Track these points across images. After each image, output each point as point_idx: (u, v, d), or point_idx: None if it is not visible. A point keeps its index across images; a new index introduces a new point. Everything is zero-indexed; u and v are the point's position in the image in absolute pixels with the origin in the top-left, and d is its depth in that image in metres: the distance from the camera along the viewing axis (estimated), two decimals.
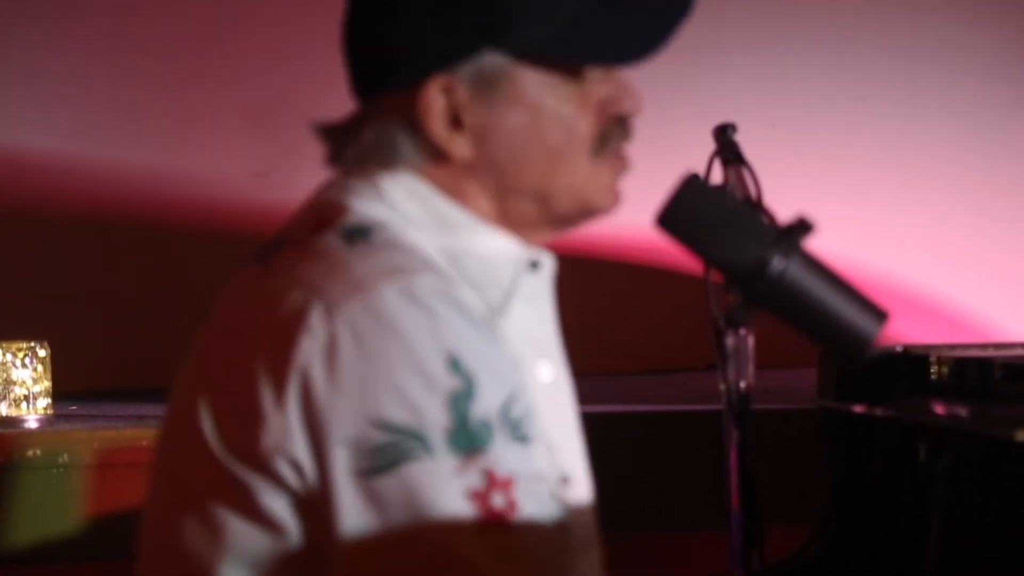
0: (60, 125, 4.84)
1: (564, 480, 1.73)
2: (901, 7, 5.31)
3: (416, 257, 1.64)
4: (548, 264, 1.76)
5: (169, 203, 4.92)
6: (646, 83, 1.84)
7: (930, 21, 5.32)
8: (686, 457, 3.62)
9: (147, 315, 4.73)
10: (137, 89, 4.86)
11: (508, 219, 1.74)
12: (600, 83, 1.74)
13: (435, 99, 1.69)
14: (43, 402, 3.69)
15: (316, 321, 1.58)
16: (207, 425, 1.64)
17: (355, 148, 1.73)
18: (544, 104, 1.71)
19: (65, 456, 3.46)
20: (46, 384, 3.69)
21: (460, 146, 1.70)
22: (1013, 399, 2.22)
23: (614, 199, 1.77)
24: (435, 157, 1.71)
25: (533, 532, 1.57)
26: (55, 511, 3.45)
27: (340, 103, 1.79)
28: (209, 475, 1.63)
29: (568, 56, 1.71)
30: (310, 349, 1.57)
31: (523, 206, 1.73)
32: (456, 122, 1.70)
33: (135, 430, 3.54)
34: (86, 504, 3.46)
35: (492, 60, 1.69)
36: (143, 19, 4.87)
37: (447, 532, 1.54)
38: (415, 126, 1.70)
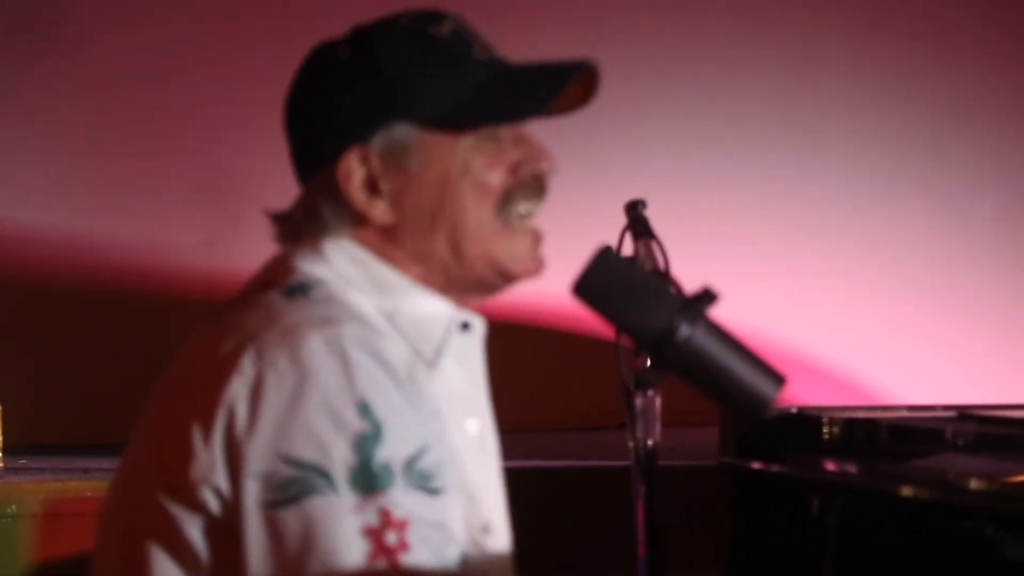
0: (10, 194, 4.80)
1: (485, 528, 1.73)
2: (801, 86, 5.37)
3: (346, 309, 1.65)
4: (479, 326, 1.77)
5: (118, 269, 4.88)
6: (562, 161, 1.86)
7: (827, 99, 5.38)
8: (598, 509, 3.62)
9: (94, 375, 4.69)
10: (87, 160, 4.83)
11: (435, 283, 1.75)
12: (513, 146, 1.76)
13: (353, 168, 1.72)
14: None
15: (247, 363, 1.59)
16: (152, 468, 1.64)
17: (289, 223, 1.76)
18: (452, 165, 1.73)
19: (14, 507, 3.42)
20: None
21: (379, 210, 1.72)
22: (898, 457, 2.25)
23: (534, 265, 1.78)
24: (358, 223, 1.73)
25: (420, 573, 1.57)
26: (4, 558, 3.40)
27: (282, 177, 1.81)
28: (148, 515, 1.63)
29: (470, 120, 1.74)
30: (238, 388, 1.59)
31: (444, 268, 1.75)
32: (374, 188, 1.72)
33: (80, 482, 3.51)
34: (33, 551, 3.41)
35: (401, 130, 1.73)
36: (92, 92, 4.85)
37: (339, 564, 1.54)
38: (338, 196, 1.73)
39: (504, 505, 1.80)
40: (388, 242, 1.75)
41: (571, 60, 1.78)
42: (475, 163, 1.74)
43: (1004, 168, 5.46)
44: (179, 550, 1.61)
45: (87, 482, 3.48)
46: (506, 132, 1.76)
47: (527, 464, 3.79)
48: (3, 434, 3.67)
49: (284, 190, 1.86)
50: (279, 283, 1.69)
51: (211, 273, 4.59)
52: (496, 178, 1.75)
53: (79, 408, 4.65)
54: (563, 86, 1.76)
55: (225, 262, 4.51)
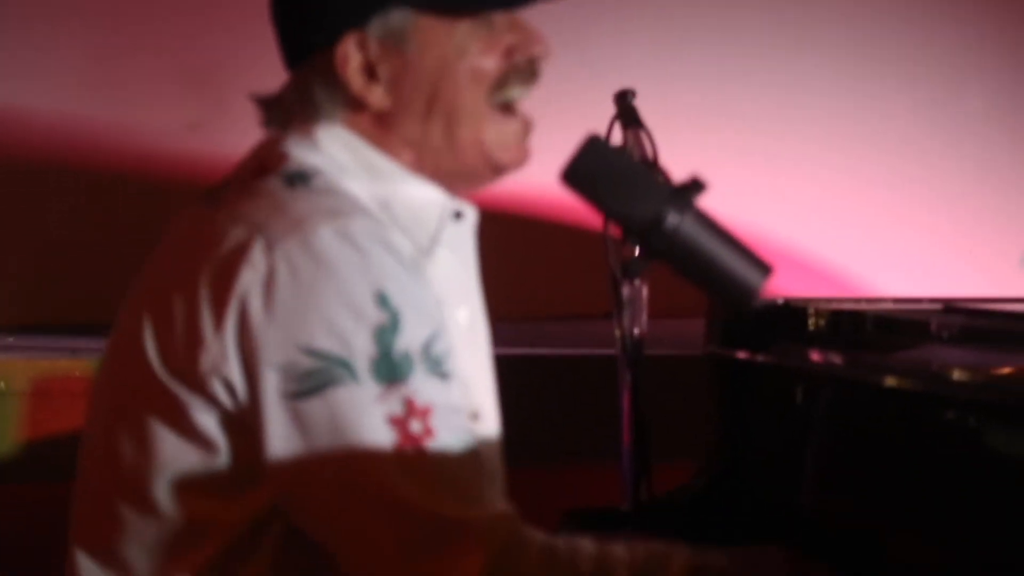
0: None
1: (475, 415, 1.75)
2: None
3: (351, 202, 1.65)
4: (471, 215, 1.78)
5: (104, 150, 4.86)
6: (554, 51, 1.85)
7: None
8: (584, 397, 3.64)
9: (80, 255, 4.69)
10: (74, 40, 4.79)
11: (427, 170, 1.75)
12: (508, 31, 1.76)
13: (351, 53, 1.71)
14: None
15: (257, 255, 1.59)
16: (149, 346, 1.64)
17: (279, 107, 1.75)
18: (449, 50, 1.73)
19: (2, 384, 3.43)
20: None
21: (377, 95, 1.72)
22: (883, 348, 2.25)
23: (521, 155, 1.78)
24: (354, 109, 1.72)
25: (447, 457, 1.59)
26: None
27: (266, 61, 1.79)
28: (148, 392, 1.64)
29: (467, 5, 1.73)
30: (250, 280, 1.58)
31: (436, 156, 1.75)
32: (372, 74, 1.71)
33: (69, 361, 3.52)
34: (21, 429, 3.43)
35: (399, 15, 1.72)
36: None
37: (366, 453, 1.55)
38: (334, 81, 1.72)
39: (494, 392, 1.81)
40: (382, 128, 1.74)
41: None
42: (471, 48, 1.74)
43: (993, 59, 5.43)
44: (185, 429, 1.61)
45: (76, 361, 3.49)
46: (500, 18, 1.76)
47: (514, 352, 3.80)
48: None
49: (268, 74, 1.84)
50: (275, 169, 1.69)
51: (196, 156, 4.57)
52: (491, 63, 1.75)
53: (67, 288, 4.66)
54: None
55: (210, 145, 4.48)
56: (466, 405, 1.71)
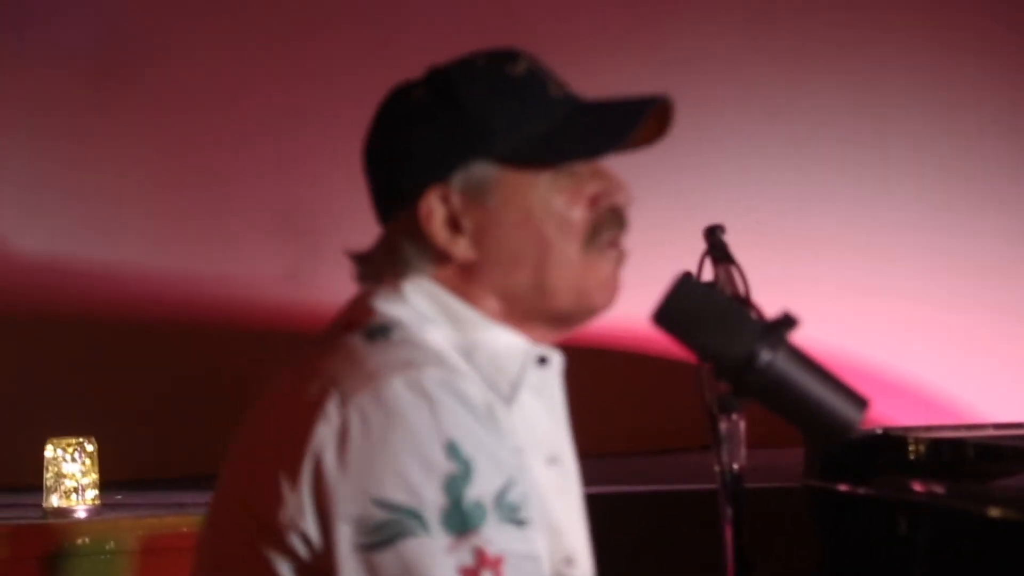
0: (97, 230, 4.87)
1: (568, 560, 1.73)
2: (869, 107, 5.35)
3: (426, 352, 1.65)
4: (556, 360, 1.77)
5: (202, 302, 4.94)
6: (642, 187, 1.86)
7: (897, 117, 5.36)
8: (684, 533, 3.61)
9: (184, 410, 4.74)
10: (164, 193, 4.89)
11: (514, 318, 1.75)
12: (590, 179, 1.76)
13: (435, 207, 1.73)
14: (91, 493, 3.68)
15: (332, 409, 1.60)
16: (239, 511, 1.66)
17: (370, 264, 1.77)
18: (534, 201, 1.74)
19: (112, 543, 3.45)
20: (94, 476, 3.69)
21: (461, 248, 1.73)
22: (985, 476, 2.22)
23: (612, 292, 1.78)
24: (440, 261, 1.74)
25: None
26: None
27: (359, 207, 1.82)
28: (240, 556, 1.65)
29: (548, 157, 1.74)
30: (324, 434, 1.59)
31: (526, 303, 1.75)
32: (455, 226, 1.73)
33: (176, 517, 3.54)
34: None
35: (480, 168, 1.73)
36: (167, 125, 4.91)
37: None
38: (419, 235, 1.74)
39: (586, 535, 1.80)
40: (468, 279, 1.75)
41: (645, 95, 1.78)
42: (555, 200, 1.75)
43: None
44: None
45: (183, 517, 3.51)
46: (583, 166, 1.77)
47: (611, 490, 3.78)
48: (99, 472, 3.72)
49: (362, 220, 1.87)
50: (361, 325, 1.70)
51: (294, 305, 4.63)
52: (577, 214, 1.75)
53: (171, 443, 4.70)
54: (640, 121, 1.76)
55: (307, 294, 4.54)
56: (557, 551, 1.70)
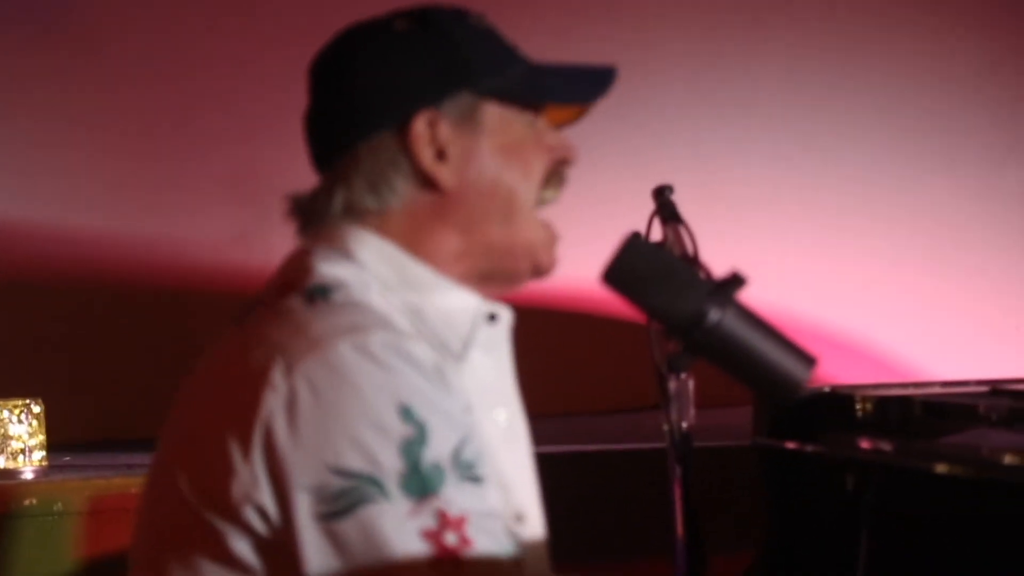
0: (47, 195, 4.82)
1: (519, 517, 1.73)
2: (822, 64, 5.35)
3: (370, 314, 1.64)
4: (505, 317, 1.77)
5: (151, 265, 4.91)
6: (591, 148, 1.86)
7: (850, 75, 5.37)
8: (634, 491, 3.62)
9: (132, 371, 4.71)
10: (114, 158, 4.85)
11: (469, 259, 1.74)
12: (547, 133, 1.78)
13: (423, 131, 1.72)
14: (38, 455, 3.65)
15: (278, 377, 1.58)
16: (183, 479, 1.64)
17: (345, 192, 1.73)
18: (511, 138, 1.75)
19: (59, 504, 3.44)
20: (41, 438, 3.66)
21: (446, 174, 1.72)
22: (932, 434, 2.23)
23: (554, 261, 1.79)
24: (421, 189, 1.73)
25: (486, 566, 1.56)
26: (51, 555, 3.41)
27: (311, 170, 1.81)
28: (186, 524, 1.63)
29: (530, 94, 1.75)
30: (272, 403, 1.57)
31: (488, 239, 1.75)
32: (440, 154, 1.72)
33: (124, 478, 3.52)
34: (79, 548, 3.43)
35: (466, 99, 1.74)
36: (117, 89, 4.86)
37: (404, 570, 1.53)
38: (401, 162, 1.72)
39: (537, 492, 1.80)
40: (429, 221, 1.74)
41: (596, 64, 1.80)
42: (526, 144, 1.76)
43: None
44: (224, 558, 1.60)
45: (131, 478, 3.49)
46: (541, 121, 1.78)
47: (561, 449, 3.79)
48: (46, 433, 3.69)
49: (314, 183, 1.85)
50: (298, 286, 1.68)
51: (244, 267, 4.61)
52: (540, 161, 1.77)
53: (120, 404, 4.68)
54: (609, 81, 1.78)
55: (258, 256, 4.51)
56: (507, 507, 1.70)
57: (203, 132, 4.93)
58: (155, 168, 4.90)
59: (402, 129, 1.72)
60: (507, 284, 1.80)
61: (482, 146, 1.75)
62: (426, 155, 1.72)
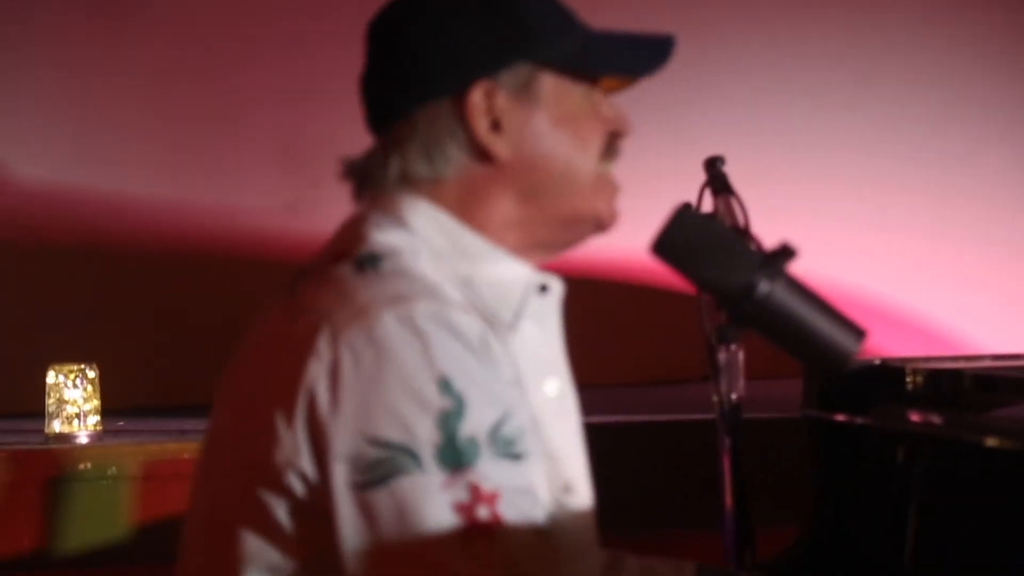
0: (99, 161, 4.85)
1: (567, 488, 1.73)
2: (873, 40, 5.32)
3: (418, 283, 1.64)
4: (556, 287, 1.77)
5: (203, 233, 4.93)
6: (643, 119, 1.86)
7: (899, 50, 5.33)
8: (683, 463, 3.62)
9: (186, 337, 4.75)
10: (165, 124, 4.87)
11: (527, 228, 1.74)
12: (603, 104, 1.77)
13: (480, 101, 1.71)
14: (93, 419, 3.69)
15: (323, 345, 1.58)
16: (230, 449, 1.65)
17: (399, 159, 1.73)
18: (568, 110, 1.74)
19: (113, 469, 3.47)
20: (95, 403, 3.70)
21: (501, 146, 1.72)
22: (983, 407, 2.22)
23: (614, 215, 1.79)
24: (477, 160, 1.72)
25: (517, 542, 1.56)
26: (104, 519, 3.45)
27: (361, 139, 1.80)
28: (233, 494, 1.64)
29: (590, 65, 1.74)
30: (316, 371, 1.58)
31: (545, 209, 1.74)
32: (496, 125, 1.72)
33: (177, 444, 3.55)
34: (132, 512, 3.46)
35: (524, 69, 1.72)
36: (169, 56, 4.88)
37: (434, 542, 1.54)
38: (457, 131, 1.71)
39: (585, 463, 1.80)
40: (485, 190, 1.73)
41: (654, 33, 1.79)
42: (582, 116, 1.75)
43: None
44: (271, 532, 1.62)
45: (184, 443, 3.52)
46: (597, 91, 1.77)
47: (610, 420, 3.79)
48: (101, 398, 3.73)
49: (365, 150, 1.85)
50: (351, 254, 1.68)
51: (295, 236, 4.62)
52: (597, 134, 1.76)
53: (173, 371, 4.71)
54: (669, 51, 1.77)
55: (308, 225, 4.53)
56: (556, 478, 1.70)
57: (255, 97, 4.94)
58: (207, 132, 4.92)
59: (459, 98, 1.72)
60: (564, 249, 1.80)
61: (539, 118, 1.73)
62: (482, 126, 1.71)
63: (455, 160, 1.72)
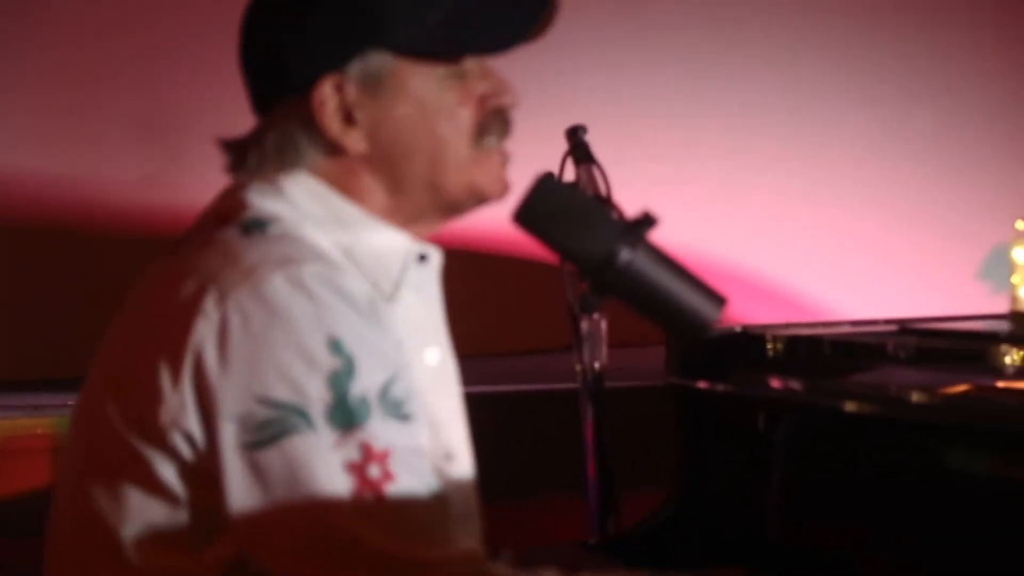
0: None
1: (448, 456, 1.74)
2: (737, 6, 5.37)
3: (305, 247, 1.64)
4: (436, 257, 1.77)
5: (57, 205, 4.84)
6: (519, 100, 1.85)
7: (759, 14, 5.39)
8: (549, 432, 3.64)
9: (39, 312, 4.66)
10: (16, 92, 4.77)
11: (402, 211, 1.75)
12: (479, 80, 1.76)
13: (328, 97, 1.70)
14: None
15: (210, 305, 1.58)
16: (112, 407, 1.64)
17: (258, 153, 1.73)
18: (427, 96, 1.73)
19: None
20: None
21: (354, 140, 1.71)
22: (842, 372, 2.26)
23: (503, 187, 1.79)
24: (332, 154, 1.72)
25: (408, 500, 1.58)
26: None
27: (222, 109, 1.79)
28: (113, 452, 1.63)
29: (446, 49, 1.73)
30: (203, 331, 1.57)
31: (415, 195, 1.74)
32: (349, 118, 1.71)
33: (31, 419, 3.49)
34: None
35: (376, 59, 1.71)
36: (19, 18, 4.78)
37: (325, 501, 1.54)
38: (311, 126, 1.71)
39: (466, 432, 1.81)
40: (356, 173, 1.73)
41: None
42: (447, 97, 1.74)
43: (943, 78, 5.48)
44: (150, 484, 1.61)
45: (38, 419, 3.46)
46: (472, 66, 1.76)
47: (478, 390, 3.79)
48: None
49: (225, 122, 1.84)
50: (234, 218, 1.68)
51: (152, 208, 4.56)
52: (467, 112, 1.75)
53: (27, 345, 4.63)
54: (538, 17, 1.76)
55: (166, 196, 4.47)
56: (437, 446, 1.71)
57: (113, 66, 4.85)
58: (63, 101, 4.82)
59: (308, 94, 1.71)
60: (449, 220, 1.80)
61: (394, 110, 1.72)
62: (333, 123, 1.71)
63: (309, 157, 1.72)
